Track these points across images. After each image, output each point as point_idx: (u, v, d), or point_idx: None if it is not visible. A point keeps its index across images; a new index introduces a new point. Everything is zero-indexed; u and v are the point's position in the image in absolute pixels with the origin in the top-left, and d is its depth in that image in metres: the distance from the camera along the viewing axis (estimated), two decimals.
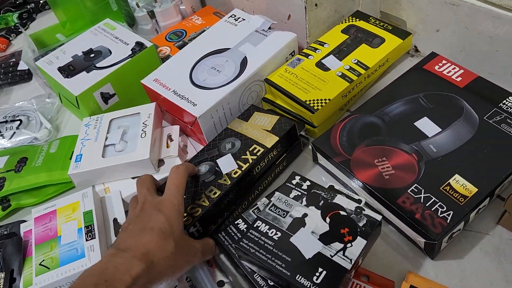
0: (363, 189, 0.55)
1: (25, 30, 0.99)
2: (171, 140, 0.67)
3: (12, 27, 1.02)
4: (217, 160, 0.58)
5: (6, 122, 0.77)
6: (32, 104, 0.79)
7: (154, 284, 0.44)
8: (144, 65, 0.73)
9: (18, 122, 0.77)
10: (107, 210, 0.60)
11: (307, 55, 0.70)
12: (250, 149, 0.58)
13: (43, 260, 0.54)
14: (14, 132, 0.76)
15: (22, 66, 0.90)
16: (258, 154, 0.58)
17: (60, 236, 0.55)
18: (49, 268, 0.53)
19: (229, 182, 0.55)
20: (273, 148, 0.58)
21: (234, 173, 0.56)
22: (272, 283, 0.49)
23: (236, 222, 0.55)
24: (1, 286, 0.56)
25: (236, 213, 0.58)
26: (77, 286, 0.41)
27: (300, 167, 0.64)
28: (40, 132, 0.75)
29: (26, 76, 0.89)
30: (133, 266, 0.42)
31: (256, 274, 0.50)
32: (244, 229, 0.54)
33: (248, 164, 0.57)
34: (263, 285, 0.49)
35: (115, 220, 0.59)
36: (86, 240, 0.54)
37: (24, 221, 0.63)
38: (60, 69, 0.72)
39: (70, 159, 0.68)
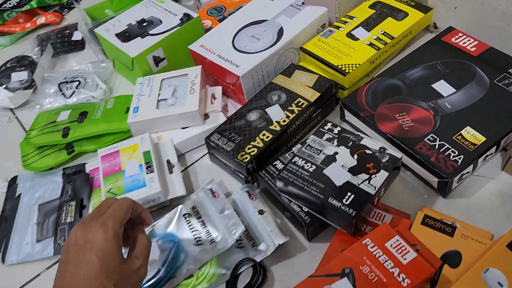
0: (385, 140, 0.64)
1: (78, 4, 1.09)
2: (215, 98, 0.76)
3: (65, 3, 1.12)
4: (266, 109, 0.67)
5: (66, 82, 0.87)
6: (89, 68, 0.89)
7: None
8: (190, 34, 0.82)
9: (77, 82, 0.86)
10: (160, 154, 0.69)
11: (337, 27, 0.78)
12: (295, 102, 0.68)
13: (111, 188, 0.63)
14: (74, 91, 0.86)
15: (75, 36, 1.00)
16: (302, 106, 0.67)
17: (124, 170, 0.65)
18: (116, 194, 0.62)
19: (279, 128, 0.65)
20: (315, 102, 0.67)
21: (283, 121, 0.65)
22: (306, 210, 0.57)
23: (274, 163, 0.64)
24: (73, 212, 0.66)
25: (276, 156, 0.67)
26: None
27: None
28: (96, 92, 0.85)
29: (80, 45, 0.99)
30: None
31: (293, 202, 0.58)
32: (281, 168, 0.63)
33: (294, 114, 0.66)
34: (299, 211, 0.58)
35: (168, 161, 0.68)
36: (147, 173, 0.64)
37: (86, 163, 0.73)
38: (117, 35, 0.81)
39: (126, 113, 0.78)
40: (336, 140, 0.59)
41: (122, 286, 0.43)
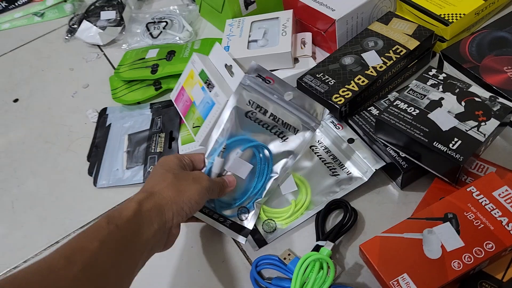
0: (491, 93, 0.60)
1: None
2: (305, 44, 0.74)
3: None
4: (361, 54, 0.65)
5: (154, 22, 0.88)
6: (176, 10, 0.89)
7: (163, 207, 0.45)
8: None
9: (164, 23, 0.87)
10: (215, 64, 0.68)
11: None
12: (393, 49, 0.65)
13: (193, 123, 0.64)
14: (161, 32, 0.86)
15: None
16: (401, 54, 0.64)
17: (194, 101, 0.66)
18: (199, 126, 0.63)
19: (376, 74, 0.62)
20: (414, 50, 0.64)
21: (380, 67, 0.63)
22: (403, 155, 0.55)
23: (369, 109, 0.62)
24: (163, 143, 0.67)
25: (367, 103, 0.65)
26: (91, 227, 0.42)
27: None
28: (183, 34, 0.86)
29: None
30: (136, 196, 0.46)
31: (389, 147, 0.57)
32: (376, 114, 0.61)
33: (391, 61, 0.64)
34: (395, 156, 0.56)
35: (225, 65, 0.66)
36: (209, 91, 0.63)
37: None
38: None
39: None
40: (441, 86, 0.57)
41: (180, 177, 0.49)
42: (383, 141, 0.57)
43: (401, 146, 0.55)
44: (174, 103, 0.71)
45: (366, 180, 0.55)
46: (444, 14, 0.68)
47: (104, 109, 0.77)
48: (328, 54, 0.77)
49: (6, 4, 1.06)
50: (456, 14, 0.68)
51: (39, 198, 0.67)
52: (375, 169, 0.54)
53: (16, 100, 0.84)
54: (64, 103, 0.81)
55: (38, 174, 0.71)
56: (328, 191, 0.56)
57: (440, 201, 0.49)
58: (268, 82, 0.55)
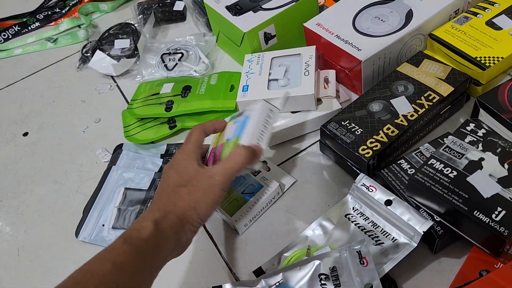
0: None
1: None
2: (328, 82, 0.70)
3: None
4: (391, 100, 0.61)
5: (169, 53, 0.84)
6: (192, 40, 0.86)
7: (179, 226, 0.46)
8: (304, 11, 0.76)
9: (180, 55, 0.84)
10: None
11: (475, 14, 0.69)
12: (425, 95, 0.60)
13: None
14: (176, 64, 0.83)
15: (177, 7, 0.97)
16: (433, 101, 0.59)
17: None
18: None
19: (406, 124, 0.58)
20: (448, 97, 0.60)
21: (411, 116, 0.58)
22: (438, 219, 0.51)
23: (398, 162, 0.57)
24: None
25: (396, 153, 0.61)
26: (107, 248, 0.43)
27: (455, 122, 0.65)
28: (199, 66, 0.82)
29: (181, 16, 0.96)
30: (151, 213, 0.46)
31: (422, 209, 0.52)
32: (407, 169, 0.56)
33: (424, 109, 0.59)
34: (422, 211, 0.51)
35: None
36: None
37: None
38: (228, 8, 0.77)
39: (230, 91, 0.74)
40: (481, 144, 0.52)
41: (192, 188, 0.48)
42: (415, 202, 0.52)
43: (436, 210, 0.50)
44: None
45: (416, 245, 0.50)
46: (480, 57, 0.63)
47: (120, 145, 0.73)
48: (352, 93, 0.73)
49: (19, 28, 1.03)
50: (493, 57, 0.63)
51: (44, 247, 0.64)
52: (423, 232, 0.49)
53: (26, 134, 0.81)
54: (75, 139, 0.77)
55: (44, 217, 0.67)
56: (375, 262, 0.49)
57: (482, 280, 0.44)
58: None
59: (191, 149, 0.52)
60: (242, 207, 0.59)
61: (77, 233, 0.63)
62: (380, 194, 0.53)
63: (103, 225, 0.63)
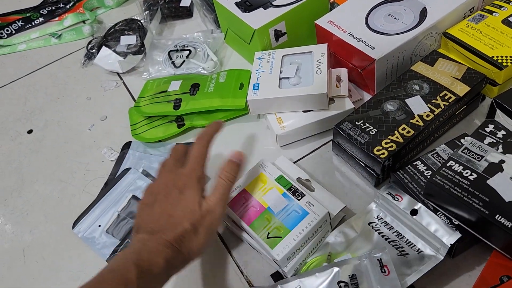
0: None
1: None
2: (340, 81, 0.69)
3: None
4: (405, 100, 0.59)
5: (176, 50, 0.83)
6: (200, 37, 0.84)
7: (188, 259, 0.48)
8: (315, 8, 0.75)
9: (188, 51, 0.82)
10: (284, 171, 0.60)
11: (490, 12, 0.68)
12: (441, 95, 0.59)
13: (268, 233, 0.52)
14: (184, 61, 0.81)
15: (184, 3, 0.95)
16: (450, 101, 0.58)
17: (269, 207, 0.55)
18: (281, 237, 0.52)
19: (422, 124, 0.56)
20: (464, 97, 0.58)
21: (427, 116, 0.57)
22: (457, 222, 0.49)
23: (414, 163, 0.56)
24: None
25: (411, 154, 0.59)
26: (114, 265, 0.44)
27: (470, 123, 0.64)
28: (207, 63, 0.80)
29: (187, 12, 0.95)
30: (165, 250, 0.45)
31: (440, 212, 0.51)
32: (424, 170, 0.55)
33: (440, 109, 0.58)
34: (448, 223, 0.50)
35: (298, 179, 0.59)
36: (298, 200, 0.54)
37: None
38: (238, 4, 0.75)
39: (240, 89, 0.73)
40: (501, 146, 0.50)
41: (198, 226, 0.48)
42: (433, 205, 0.51)
43: (455, 213, 0.49)
44: (228, 208, 0.56)
45: (442, 258, 0.48)
46: (497, 57, 0.62)
47: (128, 144, 0.72)
48: (364, 92, 0.71)
49: (23, 23, 1.02)
50: (510, 56, 0.61)
51: (50, 248, 0.63)
52: (450, 244, 0.47)
53: (30, 131, 0.79)
54: (80, 137, 0.76)
55: (50, 217, 0.66)
56: (398, 273, 0.47)
57: (504, 286, 0.43)
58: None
59: (199, 179, 0.51)
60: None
61: (74, 225, 0.63)
62: (405, 203, 0.52)
63: (99, 226, 0.62)
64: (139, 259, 0.44)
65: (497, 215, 0.45)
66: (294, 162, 0.65)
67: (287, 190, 0.56)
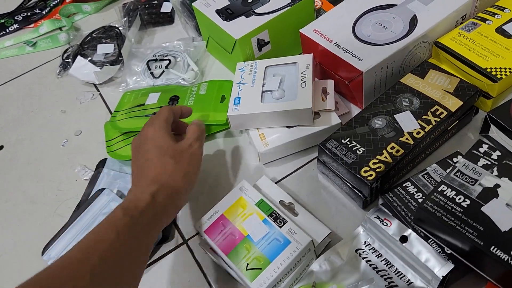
0: None
1: None
2: (326, 94, 0.65)
3: None
4: (395, 116, 0.56)
5: (155, 60, 0.79)
6: (180, 45, 0.80)
7: (175, 197, 0.48)
8: (300, 16, 0.71)
9: (167, 61, 0.78)
10: (267, 193, 0.57)
11: (484, 20, 0.64)
12: (432, 110, 0.55)
13: (248, 264, 0.49)
14: (163, 71, 0.77)
15: (165, 8, 0.91)
16: (441, 116, 0.54)
17: (248, 234, 0.51)
18: (261, 269, 0.48)
19: (412, 142, 0.53)
20: (456, 112, 0.55)
21: (417, 133, 0.54)
22: (449, 251, 0.46)
23: (404, 185, 0.53)
24: None
25: (400, 174, 0.56)
26: (108, 219, 0.44)
27: (463, 138, 0.60)
28: (188, 74, 0.76)
29: (168, 19, 0.90)
30: (146, 187, 0.47)
31: (431, 240, 0.47)
32: (414, 193, 0.51)
33: (431, 126, 0.54)
34: (440, 251, 0.46)
35: (281, 202, 0.56)
36: (279, 227, 0.51)
37: None
38: (218, 12, 0.71)
39: (221, 102, 0.69)
40: (495, 168, 0.47)
41: (179, 159, 0.50)
42: (424, 232, 0.48)
43: (448, 242, 0.46)
44: (204, 235, 0.53)
45: None
46: (491, 68, 0.58)
47: (103, 161, 0.68)
48: (352, 104, 0.68)
49: None
50: (505, 68, 0.58)
51: (18, 274, 0.59)
52: (442, 276, 0.44)
53: (1, 147, 0.75)
54: (53, 153, 0.72)
55: (19, 243, 0.62)
56: None
57: None
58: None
59: (163, 124, 0.53)
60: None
61: (43, 251, 0.59)
62: (394, 229, 0.48)
63: None
64: (125, 201, 0.47)
65: (492, 247, 0.42)
66: (278, 181, 0.61)
67: (268, 216, 0.52)
